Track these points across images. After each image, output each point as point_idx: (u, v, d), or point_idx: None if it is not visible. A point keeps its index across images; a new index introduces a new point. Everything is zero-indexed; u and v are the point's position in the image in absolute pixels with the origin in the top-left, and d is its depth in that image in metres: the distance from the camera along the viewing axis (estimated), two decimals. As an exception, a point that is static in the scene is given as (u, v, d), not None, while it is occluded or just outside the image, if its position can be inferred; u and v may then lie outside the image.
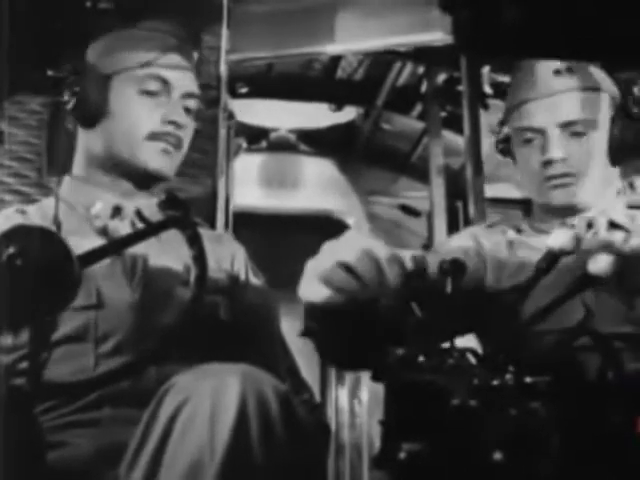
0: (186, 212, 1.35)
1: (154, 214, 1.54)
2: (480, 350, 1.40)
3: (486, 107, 2.82)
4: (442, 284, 1.06)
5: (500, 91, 2.78)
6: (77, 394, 1.37)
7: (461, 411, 0.95)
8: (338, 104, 3.63)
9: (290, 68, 3.48)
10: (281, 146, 4.14)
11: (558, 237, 1.15)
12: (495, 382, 0.97)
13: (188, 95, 1.64)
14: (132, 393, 1.38)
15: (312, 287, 1.09)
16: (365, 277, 1.07)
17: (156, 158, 1.59)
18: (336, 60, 3.43)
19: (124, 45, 1.64)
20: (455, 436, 0.95)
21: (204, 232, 1.53)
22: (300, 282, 1.12)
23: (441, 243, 2.30)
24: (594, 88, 1.70)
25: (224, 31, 2.49)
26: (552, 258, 1.14)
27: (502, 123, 1.82)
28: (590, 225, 1.68)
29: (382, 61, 3.40)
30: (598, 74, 1.72)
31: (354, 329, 1.11)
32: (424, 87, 3.39)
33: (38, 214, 1.60)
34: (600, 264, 1.12)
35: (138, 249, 1.46)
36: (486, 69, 2.82)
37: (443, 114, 3.31)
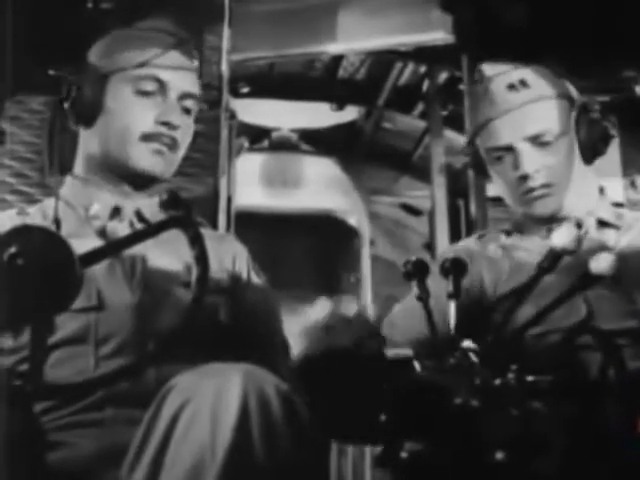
0: (188, 212, 1.35)
1: (154, 214, 1.54)
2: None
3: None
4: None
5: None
6: (77, 395, 1.37)
7: (463, 411, 0.95)
8: (340, 104, 3.63)
9: (292, 68, 3.48)
10: (283, 146, 4.15)
11: (560, 237, 1.15)
12: (497, 382, 0.97)
13: (186, 96, 1.63)
14: (134, 394, 1.38)
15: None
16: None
17: (147, 158, 1.59)
18: (338, 60, 3.43)
19: (122, 45, 1.64)
20: (457, 436, 0.95)
21: (206, 232, 1.53)
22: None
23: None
24: (550, 96, 1.71)
25: (226, 31, 2.49)
26: (554, 257, 1.14)
27: (470, 143, 1.81)
28: (579, 226, 1.69)
29: (384, 61, 3.40)
30: (552, 80, 1.72)
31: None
32: (425, 86, 3.40)
33: (39, 214, 1.60)
34: (602, 263, 1.12)
35: (138, 250, 1.46)
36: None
37: (444, 113, 3.31)
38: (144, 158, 1.59)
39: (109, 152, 1.60)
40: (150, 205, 1.60)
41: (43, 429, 1.24)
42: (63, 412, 1.37)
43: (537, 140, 1.67)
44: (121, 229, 1.57)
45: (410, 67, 3.41)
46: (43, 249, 1.12)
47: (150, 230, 1.43)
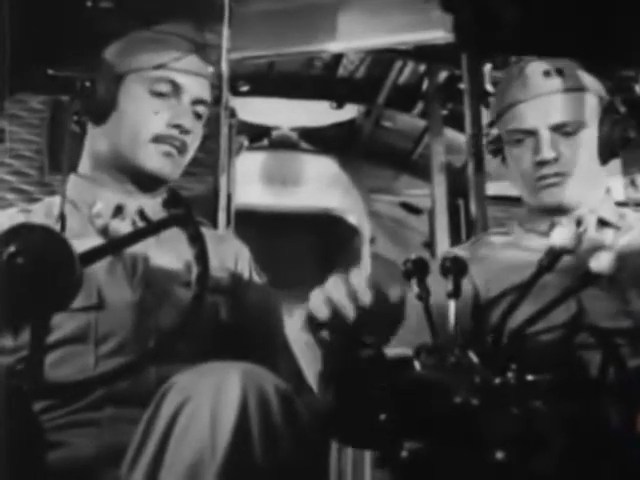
0: (188, 210, 1.35)
1: (157, 213, 1.55)
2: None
3: (487, 105, 2.82)
4: None
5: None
6: (77, 394, 1.37)
7: (463, 410, 0.95)
8: (339, 102, 3.62)
9: (291, 66, 3.47)
10: (283, 144, 4.14)
11: (560, 235, 1.15)
12: (497, 381, 0.97)
13: (198, 101, 1.64)
14: (133, 393, 1.38)
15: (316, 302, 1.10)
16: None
17: (156, 159, 1.59)
18: (337, 58, 3.42)
19: (140, 47, 1.65)
20: (457, 435, 0.95)
21: (208, 231, 1.53)
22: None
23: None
24: (582, 89, 1.73)
25: (225, 29, 2.49)
26: (554, 256, 1.14)
27: (491, 124, 1.83)
28: (579, 223, 1.70)
29: (383, 59, 3.40)
30: (585, 75, 1.74)
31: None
32: (425, 85, 3.39)
33: (42, 212, 1.60)
34: (602, 262, 1.12)
35: (138, 249, 1.46)
36: (487, 67, 2.82)
37: (444, 112, 3.31)
38: (153, 159, 1.59)
39: (119, 151, 1.61)
40: (153, 204, 1.60)
41: (42, 428, 1.24)
42: (62, 411, 1.37)
43: (561, 129, 1.69)
44: (123, 228, 1.57)
45: (410, 66, 3.41)
46: (43, 248, 1.12)
47: (150, 229, 1.43)
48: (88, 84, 1.60)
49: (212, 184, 2.40)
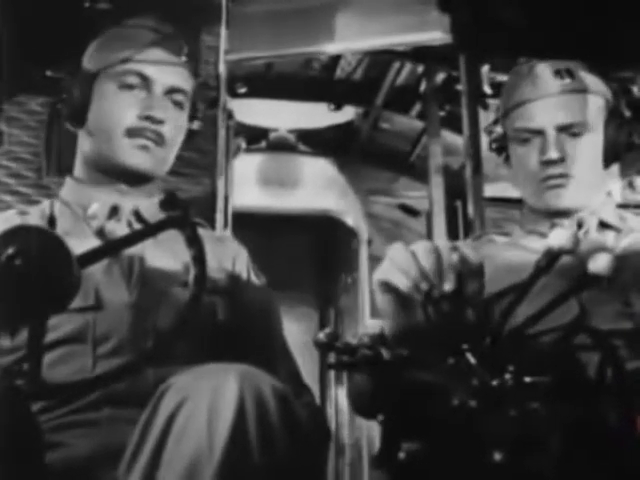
0: (185, 212, 1.35)
1: (153, 214, 1.54)
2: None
3: (485, 106, 2.83)
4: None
5: (499, 90, 2.78)
6: (75, 394, 1.37)
7: (461, 411, 0.95)
8: (337, 104, 3.63)
9: (289, 68, 3.48)
10: (280, 146, 4.15)
11: (558, 236, 1.15)
12: (495, 382, 0.97)
13: (173, 90, 1.63)
14: (131, 393, 1.38)
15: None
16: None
17: (134, 154, 1.59)
18: (335, 60, 3.43)
19: (109, 43, 1.66)
20: (455, 436, 0.95)
21: (206, 233, 1.53)
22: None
23: None
24: (590, 91, 1.73)
25: (223, 31, 2.49)
26: (552, 257, 1.14)
27: (496, 122, 1.83)
28: (580, 225, 1.70)
29: (381, 61, 3.40)
30: (591, 77, 1.74)
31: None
32: (423, 87, 3.40)
33: (38, 215, 1.60)
34: (600, 263, 1.12)
35: (135, 250, 1.46)
36: (485, 68, 2.83)
37: (442, 113, 3.31)
38: (130, 154, 1.59)
39: (99, 150, 1.61)
40: (148, 205, 1.60)
41: (40, 429, 1.24)
42: (60, 412, 1.37)
43: (568, 130, 1.70)
44: (119, 229, 1.57)
45: (407, 67, 3.42)
46: (41, 249, 1.12)
47: (148, 230, 1.43)
48: (66, 87, 1.62)
49: (210, 186, 2.40)
